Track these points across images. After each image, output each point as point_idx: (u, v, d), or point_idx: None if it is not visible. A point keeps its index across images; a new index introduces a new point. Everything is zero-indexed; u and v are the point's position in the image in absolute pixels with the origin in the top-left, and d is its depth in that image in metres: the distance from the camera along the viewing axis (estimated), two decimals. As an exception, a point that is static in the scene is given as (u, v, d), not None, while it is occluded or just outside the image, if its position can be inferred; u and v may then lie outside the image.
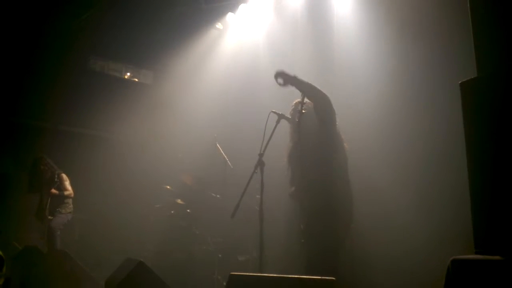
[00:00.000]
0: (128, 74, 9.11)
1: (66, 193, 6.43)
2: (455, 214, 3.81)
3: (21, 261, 5.56)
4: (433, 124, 4.55)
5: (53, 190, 6.34)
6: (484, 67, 2.32)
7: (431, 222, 4.20)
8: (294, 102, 4.35)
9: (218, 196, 6.31)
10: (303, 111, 4.08)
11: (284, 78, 4.07)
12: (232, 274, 2.87)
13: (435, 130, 4.51)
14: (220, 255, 5.98)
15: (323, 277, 2.58)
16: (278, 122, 4.07)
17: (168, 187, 6.74)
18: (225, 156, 6.20)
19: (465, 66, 2.39)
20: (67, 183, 6.50)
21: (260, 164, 3.87)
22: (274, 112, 4.11)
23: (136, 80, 9.15)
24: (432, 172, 4.42)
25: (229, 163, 6.17)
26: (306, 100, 4.25)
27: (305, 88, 4.06)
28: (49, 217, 6.31)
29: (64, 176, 6.52)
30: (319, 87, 4.01)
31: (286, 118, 4.12)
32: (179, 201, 6.50)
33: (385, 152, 4.87)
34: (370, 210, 4.59)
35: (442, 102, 4.36)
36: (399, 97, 4.91)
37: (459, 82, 2.34)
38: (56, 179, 6.37)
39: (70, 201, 6.52)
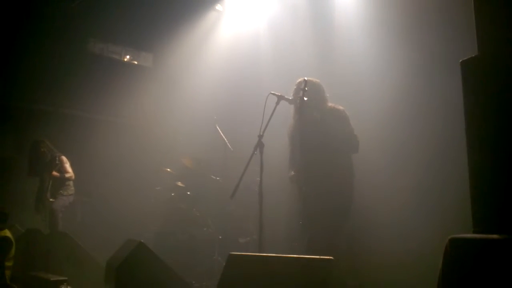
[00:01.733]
0: (128, 57, 9.05)
1: (67, 175, 6.45)
2: (453, 194, 3.82)
3: (23, 243, 5.61)
4: (432, 111, 4.54)
5: (54, 173, 6.37)
6: (485, 46, 2.29)
7: (428, 203, 4.21)
8: (298, 81, 4.34)
9: (218, 178, 6.32)
10: (306, 88, 4.06)
11: None
12: (231, 254, 2.89)
13: (434, 117, 4.49)
14: (220, 237, 6.02)
15: (321, 257, 2.60)
16: (277, 103, 4.05)
17: (168, 169, 6.76)
18: (225, 138, 6.19)
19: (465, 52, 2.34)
20: (67, 166, 6.51)
21: (260, 145, 3.87)
22: (273, 94, 4.09)
23: (136, 62, 9.10)
24: (429, 152, 4.41)
25: (229, 145, 6.17)
26: (309, 79, 4.25)
27: None
28: (51, 199, 6.34)
29: (64, 158, 6.53)
30: None
31: (286, 99, 4.10)
32: (179, 183, 6.52)
33: (384, 134, 4.86)
34: (368, 191, 4.60)
35: (442, 86, 4.33)
36: (400, 83, 4.88)
37: (460, 60, 2.32)
38: (56, 162, 6.39)
39: (71, 183, 6.55)
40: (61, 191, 6.42)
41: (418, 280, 3.79)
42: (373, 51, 5.27)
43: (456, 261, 2.04)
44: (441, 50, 4.53)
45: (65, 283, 4.31)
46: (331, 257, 2.57)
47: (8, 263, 5.24)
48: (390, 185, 4.62)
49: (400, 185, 4.55)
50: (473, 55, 2.25)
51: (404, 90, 4.83)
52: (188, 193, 6.46)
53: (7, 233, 5.38)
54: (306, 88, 4.09)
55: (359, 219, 4.41)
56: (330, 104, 4.37)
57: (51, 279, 4.48)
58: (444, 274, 2.06)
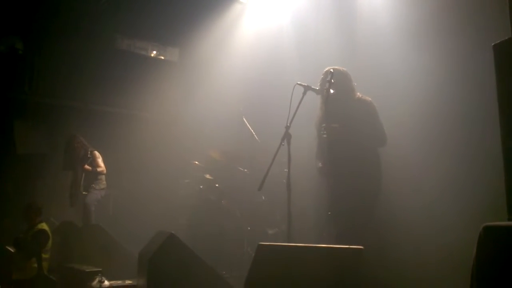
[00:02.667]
0: (154, 52, 9.16)
1: (99, 169, 6.60)
2: (487, 183, 3.73)
3: (58, 236, 5.79)
4: (463, 99, 4.42)
5: (87, 167, 6.52)
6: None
7: (461, 193, 4.12)
8: (325, 70, 4.30)
9: (245, 170, 6.35)
10: (332, 80, 4.03)
11: None
12: (260, 244, 2.91)
13: (466, 106, 4.38)
14: (249, 228, 6.05)
15: (351, 246, 2.58)
16: (304, 93, 4.03)
17: (196, 162, 6.82)
18: (252, 130, 6.20)
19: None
20: (99, 160, 6.67)
21: (287, 136, 3.86)
22: (300, 84, 4.07)
23: (162, 58, 9.20)
24: (461, 140, 4.31)
25: (256, 137, 6.18)
26: (335, 68, 4.21)
27: None
28: (84, 193, 6.50)
29: (96, 153, 6.69)
30: None
31: (312, 89, 4.08)
32: (207, 176, 6.57)
33: (413, 126, 4.77)
34: (399, 181, 4.54)
35: (474, 73, 4.22)
36: (430, 73, 4.77)
37: (492, 44, 2.26)
38: (89, 156, 6.54)
39: (103, 177, 6.70)
40: (93, 185, 6.59)
41: (452, 270, 3.73)
42: (400, 43, 5.16)
43: (490, 249, 2.01)
44: (472, 37, 4.40)
45: (99, 274, 4.43)
46: (361, 247, 2.55)
47: (46, 255, 5.44)
48: (421, 175, 4.55)
49: (431, 175, 4.46)
50: (506, 38, 2.19)
51: (434, 79, 4.72)
52: (217, 185, 6.51)
53: (44, 226, 5.58)
54: (332, 80, 4.05)
55: (394, 212, 4.37)
56: (358, 94, 4.31)
57: (86, 270, 4.61)
58: (478, 262, 2.02)
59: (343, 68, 4.36)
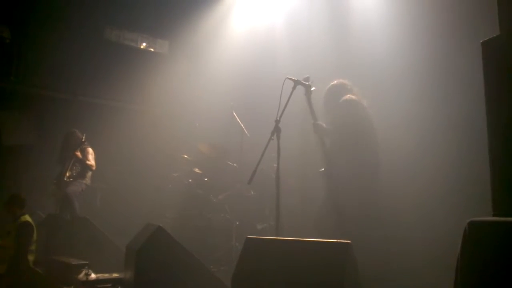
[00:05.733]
0: (144, 44, 9.09)
1: (88, 162, 6.49)
2: (471, 178, 3.79)
3: (45, 228, 5.74)
4: (452, 98, 4.47)
5: (77, 153, 6.42)
6: (506, 25, 2.24)
7: (446, 188, 4.17)
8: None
9: (235, 164, 6.35)
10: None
11: None
12: (248, 237, 2.91)
13: (454, 104, 4.43)
14: (237, 223, 6.05)
15: (338, 241, 2.60)
16: (294, 88, 4.05)
17: (185, 156, 6.80)
18: (242, 124, 6.20)
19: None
20: (91, 157, 6.56)
21: (277, 130, 3.87)
22: (290, 78, 4.08)
23: (152, 50, 9.13)
24: (454, 140, 4.36)
25: (246, 131, 6.17)
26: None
27: None
28: (66, 179, 6.36)
29: (90, 150, 6.57)
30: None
31: (302, 84, 4.09)
32: (196, 169, 6.56)
33: (403, 123, 4.82)
34: (389, 178, 4.58)
35: (462, 72, 4.26)
36: (420, 72, 4.82)
37: (481, 41, 2.28)
38: (83, 142, 6.44)
39: (89, 174, 6.58)
40: (78, 177, 6.48)
41: (437, 264, 3.77)
42: (392, 41, 5.19)
43: (475, 244, 2.03)
44: (461, 35, 4.44)
45: (86, 267, 4.40)
46: (348, 241, 2.57)
47: (31, 247, 5.39)
48: (409, 171, 4.59)
49: (420, 172, 4.51)
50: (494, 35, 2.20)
51: (427, 78, 4.76)
52: (206, 179, 6.50)
53: (27, 218, 5.52)
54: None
55: (383, 208, 4.41)
56: (346, 96, 4.35)
57: (73, 263, 4.57)
58: (463, 257, 2.05)
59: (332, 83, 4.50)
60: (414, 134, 4.68)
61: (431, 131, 4.57)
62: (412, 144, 4.64)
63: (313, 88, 4.18)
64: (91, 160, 6.56)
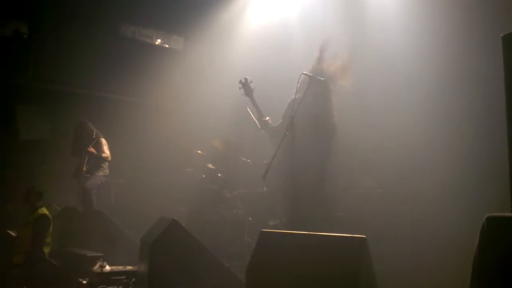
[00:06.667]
0: (159, 40, 9.14)
1: (103, 155, 6.56)
2: (490, 174, 3.74)
3: (60, 221, 5.82)
4: (469, 90, 4.42)
5: (91, 149, 6.48)
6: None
7: (464, 183, 4.14)
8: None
9: (248, 160, 6.35)
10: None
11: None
12: (262, 231, 2.92)
13: (471, 100, 4.38)
14: (250, 219, 6.06)
15: (353, 235, 2.59)
16: (309, 83, 4.04)
17: (199, 151, 6.82)
18: (256, 120, 6.18)
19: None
20: (105, 147, 6.62)
21: (292, 125, 3.87)
22: (305, 74, 4.09)
23: (167, 46, 9.18)
24: (469, 137, 4.32)
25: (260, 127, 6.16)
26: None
27: None
28: (85, 175, 6.46)
29: (103, 140, 6.64)
30: None
31: (317, 80, 4.08)
32: (210, 165, 6.58)
33: (418, 116, 4.78)
34: (402, 174, 4.56)
35: (480, 66, 4.21)
36: (437, 64, 4.77)
37: (501, 35, 2.25)
38: (94, 137, 6.50)
39: (106, 165, 6.65)
40: (95, 170, 6.56)
41: (454, 260, 3.74)
42: (408, 34, 5.15)
43: (492, 239, 2.02)
44: (479, 30, 4.38)
45: (101, 259, 4.45)
46: (363, 236, 2.56)
47: (47, 240, 5.47)
48: (425, 166, 4.56)
49: (434, 167, 4.48)
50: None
51: (438, 73, 4.72)
52: (219, 175, 6.52)
53: (45, 210, 5.60)
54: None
55: (396, 205, 4.40)
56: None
57: (88, 254, 4.63)
58: (480, 252, 2.03)
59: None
60: (429, 129, 4.64)
61: (446, 126, 4.53)
62: (427, 139, 4.60)
63: (254, 87, 4.52)
64: (106, 151, 6.62)
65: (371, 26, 5.65)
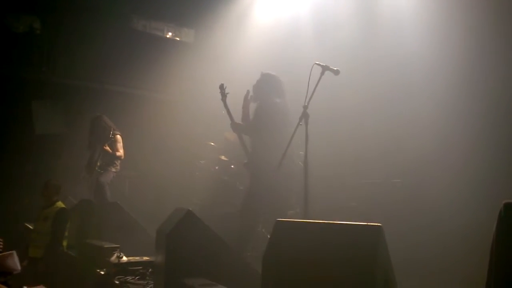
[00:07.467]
0: (170, 33, 9.16)
1: (117, 153, 6.60)
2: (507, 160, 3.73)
3: (77, 213, 5.90)
4: (485, 90, 4.40)
5: (106, 147, 6.54)
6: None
7: (483, 171, 4.12)
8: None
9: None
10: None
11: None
12: (278, 220, 2.93)
13: (486, 97, 4.36)
14: (264, 209, 6.08)
15: (369, 223, 2.59)
16: (322, 73, 4.03)
17: (212, 143, 6.85)
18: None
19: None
20: (119, 145, 6.65)
21: (305, 116, 3.87)
22: (318, 64, 4.07)
23: (178, 39, 9.19)
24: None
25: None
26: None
27: None
28: (100, 171, 6.53)
29: (119, 137, 6.66)
30: None
31: (330, 70, 4.06)
32: (223, 157, 6.61)
33: (431, 111, 4.77)
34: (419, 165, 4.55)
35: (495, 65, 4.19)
36: (449, 57, 4.74)
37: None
38: (111, 137, 6.56)
39: (118, 162, 6.71)
40: (108, 167, 6.62)
41: (472, 248, 3.73)
42: (423, 32, 5.11)
43: (510, 225, 2.00)
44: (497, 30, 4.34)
45: (117, 250, 4.51)
46: (379, 224, 2.56)
47: (65, 233, 5.56)
48: (441, 155, 4.54)
49: (452, 154, 4.46)
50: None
51: (454, 70, 4.69)
52: (232, 166, 6.55)
53: (62, 204, 5.69)
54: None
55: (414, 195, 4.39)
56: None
57: (105, 246, 4.69)
58: (497, 238, 2.03)
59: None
60: (447, 119, 4.62)
61: (464, 115, 4.50)
62: (444, 127, 4.58)
63: (227, 93, 4.99)
64: (120, 149, 6.66)
65: (385, 23, 5.60)
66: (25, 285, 2.77)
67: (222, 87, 5.04)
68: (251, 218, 4.93)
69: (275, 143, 4.47)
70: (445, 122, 4.71)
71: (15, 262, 3.52)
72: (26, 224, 6.32)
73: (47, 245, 5.34)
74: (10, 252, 3.58)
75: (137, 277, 4.17)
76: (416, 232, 4.44)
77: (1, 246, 3.98)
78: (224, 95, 5.03)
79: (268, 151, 4.59)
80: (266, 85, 4.97)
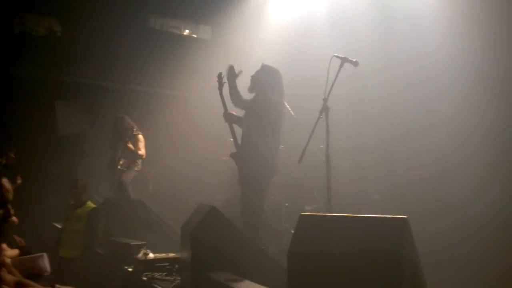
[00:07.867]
0: (187, 31, 9.20)
1: (139, 152, 6.67)
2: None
3: (103, 212, 6.00)
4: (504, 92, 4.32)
5: (130, 145, 6.61)
6: None
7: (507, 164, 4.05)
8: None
9: (282, 146, 6.34)
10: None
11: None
12: (302, 214, 2.93)
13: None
14: (286, 204, 6.08)
15: (394, 216, 2.58)
16: (341, 66, 4.01)
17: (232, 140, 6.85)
18: (288, 106, 6.17)
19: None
20: (141, 144, 6.72)
21: (325, 109, 3.86)
22: (337, 56, 4.05)
23: (195, 36, 9.23)
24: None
25: (292, 112, 6.15)
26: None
27: None
28: (123, 169, 6.62)
29: (141, 137, 6.73)
30: None
31: (349, 61, 4.03)
32: (244, 153, 6.60)
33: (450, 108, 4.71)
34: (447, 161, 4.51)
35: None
36: (467, 53, 4.66)
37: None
38: (134, 133, 6.64)
39: (140, 161, 6.78)
40: (131, 165, 6.71)
41: (497, 236, 3.68)
42: (442, 31, 5.03)
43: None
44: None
45: (144, 247, 4.58)
46: (405, 216, 2.54)
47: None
48: (464, 148, 4.48)
49: (473, 144, 4.39)
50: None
51: (469, 60, 4.61)
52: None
53: (92, 204, 5.78)
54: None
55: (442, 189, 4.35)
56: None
57: (132, 243, 4.77)
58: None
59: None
60: (470, 112, 4.55)
61: (488, 108, 4.43)
62: (467, 120, 4.52)
63: (224, 82, 4.99)
64: (141, 148, 6.73)
65: (402, 22, 5.54)
66: (57, 284, 2.82)
67: (220, 76, 5.07)
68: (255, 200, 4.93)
69: (270, 138, 4.52)
70: (466, 113, 4.64)
71: (45, 264, 3.57)
72: (55, 224, 6.45)
73: (85, 246, 5.41)
74: (41, 254, 3.64)
75: (164, 273, 4.21)
76: (440, 223, 4.40)
77: (22, 244, 4.06)
78: (221, 84, 5.06)
79: (262, 145, 4.65)
80: (264, 78, 4.98)
